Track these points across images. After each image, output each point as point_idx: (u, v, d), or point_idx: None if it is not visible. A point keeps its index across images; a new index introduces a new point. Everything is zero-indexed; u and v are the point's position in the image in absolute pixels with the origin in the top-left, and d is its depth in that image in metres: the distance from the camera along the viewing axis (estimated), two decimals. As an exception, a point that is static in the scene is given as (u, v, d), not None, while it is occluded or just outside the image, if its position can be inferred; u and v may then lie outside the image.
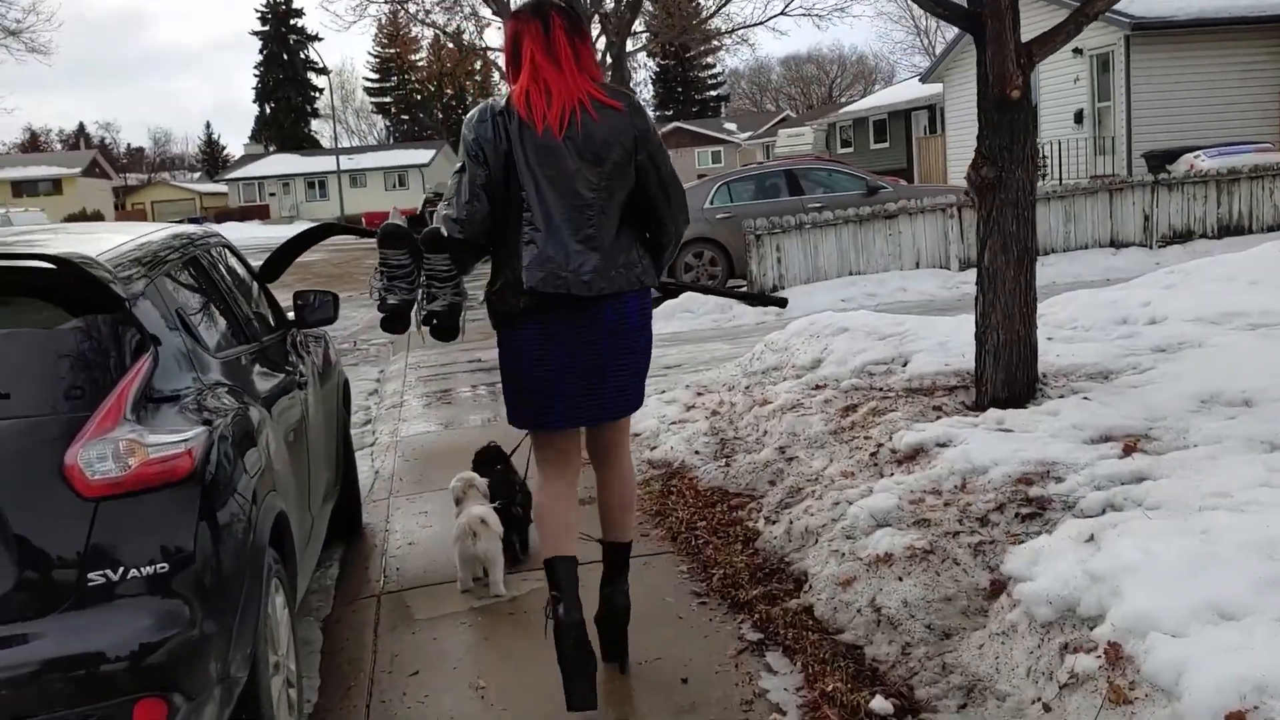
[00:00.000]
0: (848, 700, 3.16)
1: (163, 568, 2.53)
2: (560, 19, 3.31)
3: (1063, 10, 13.62)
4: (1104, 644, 2.77)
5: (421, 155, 66.79)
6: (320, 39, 78.10)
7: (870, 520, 4.09)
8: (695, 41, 36.47)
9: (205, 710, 2.54)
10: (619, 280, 3.29)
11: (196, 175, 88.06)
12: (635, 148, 3.30)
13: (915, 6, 7.56)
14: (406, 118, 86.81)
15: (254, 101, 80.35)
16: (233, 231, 52.74)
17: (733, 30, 30.60)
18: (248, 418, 3.19)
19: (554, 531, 3.43)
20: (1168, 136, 19.00)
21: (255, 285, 4.56)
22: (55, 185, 58.13)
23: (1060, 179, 19.80)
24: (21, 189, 57.66)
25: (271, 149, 74.84)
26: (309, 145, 76.28)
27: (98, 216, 52.68)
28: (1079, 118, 21.26)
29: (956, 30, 25.40)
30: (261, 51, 78.32)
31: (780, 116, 65.32)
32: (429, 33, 39.55)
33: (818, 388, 6.16)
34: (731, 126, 66.88)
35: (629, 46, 25.71)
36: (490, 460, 5.02)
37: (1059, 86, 21.57)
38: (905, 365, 6.15)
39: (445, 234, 3.33)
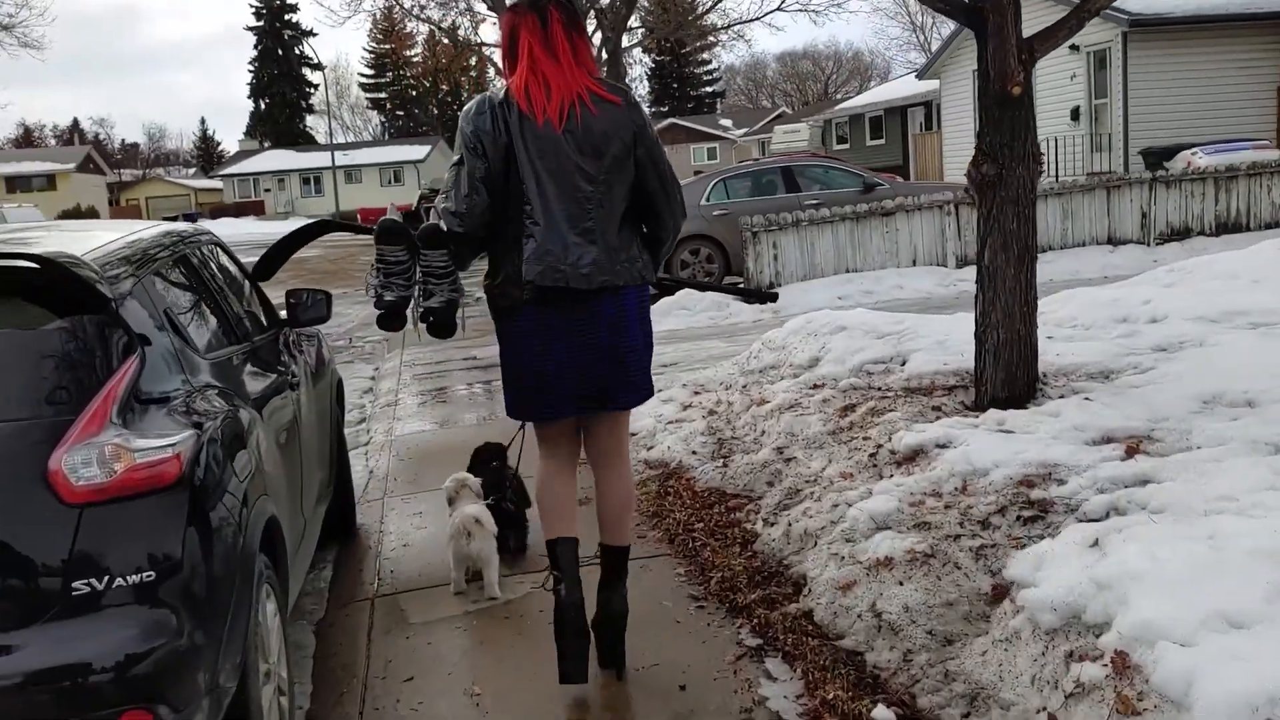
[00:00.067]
0: (849, 709, 3.11)
1: (149, 576, 2.47)
2: (558, 13, 3.31)
3: (1062, 6, 13.59)
4: (1111, 653, 2.71)
5: (417, 151, 66.65)
6: (315, 34, 78.26)
7: (870, 523, 4.04)
8: (691, 37, 36.39)
9: (193, 722, 2.49)
10: (619, 274, 3.30)
11: (191, 171, 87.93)
12: (634, 142, 3.31)
13: (911, 2, 7.50)
14: (402, 114, 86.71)
15: (249, 97, 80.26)
16: (228, 227, 52.76)
17: (729, 26, 30.50)
18: (238, 420, 3.13)
19: (554, 513, 3.50)
20: (1165, 133, 18.97)
21: (246, 284, 4.50)
22: (49, 181, 57.89)
23: (1056, 176, 19.74)
24: (15, 185, 57.45)
25: (266, 145, 74.67)
26: (304, 141, 76.14)
27: (92, 212, 52.48)
28: (1076, 114, 21.22)
29: (953, 26, 25.42)
30: (256, 47, 78.16)
31: (776, 113, 65.23)
32: (424, 28, 39.41)
33: (816, 387, 6.10)
34: (727, 123, 66.75)
35: (625, 42, 25.62)
36: (487, 458, 4.99)
37: (1056, 83, 21.51)
38: (904, 364, 6.10)
39: (445, 228, 3.32)
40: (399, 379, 10.21)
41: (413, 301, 3.40)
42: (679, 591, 4.20)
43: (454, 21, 30.21)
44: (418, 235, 3.38)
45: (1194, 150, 16.90)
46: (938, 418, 5.08)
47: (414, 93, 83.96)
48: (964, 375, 5.68)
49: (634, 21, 26.85)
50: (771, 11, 27.78)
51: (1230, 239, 13.02)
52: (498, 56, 3.79)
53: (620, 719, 3.34)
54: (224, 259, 4.36)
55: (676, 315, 12.36)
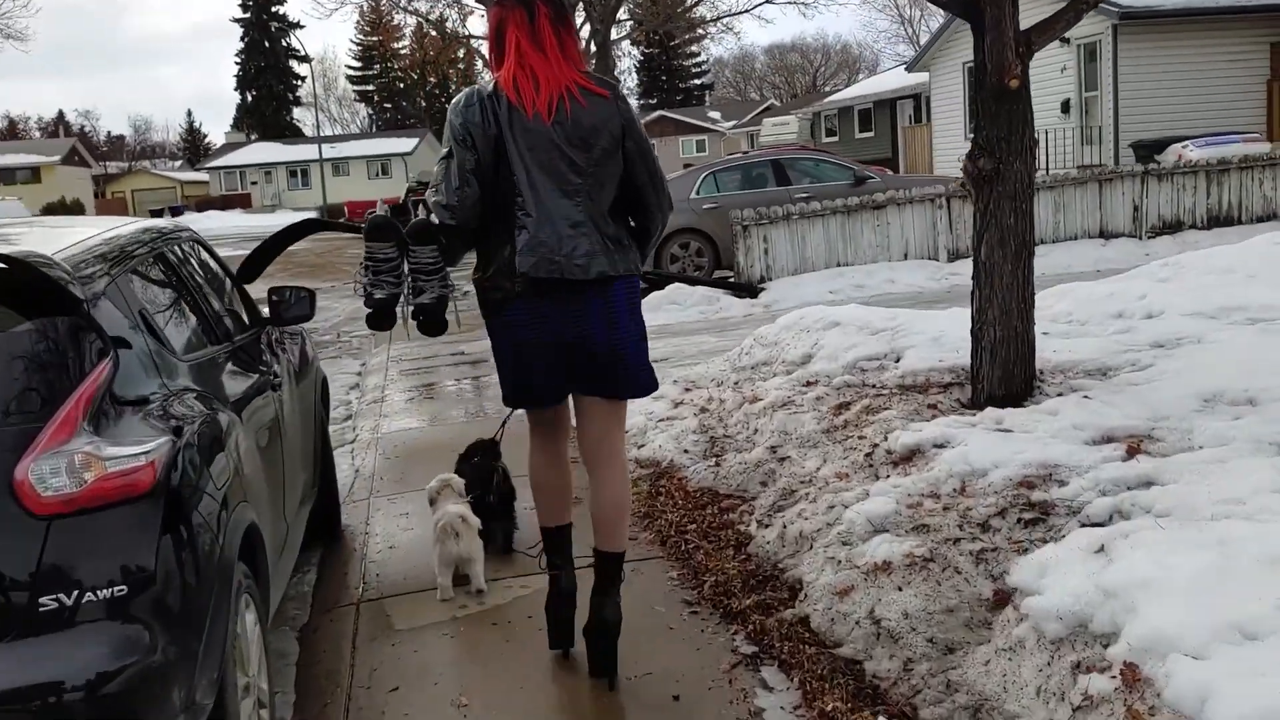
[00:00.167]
0: (848, 720, 3.02)
1: (121, 590, 2.37)
2: (545, 7, 3.31)
3: (1052, -2, 13.49)
4: (1120, 664, 2.63)
5: (404, 144, 66.28)
6: (302, 26, 77.41)
7: (867, 525, 3.95)
8: (680, 30, 36.24)
9: (168, 741, 2.38)
10: (615, 264, 3.29)
11: (178, 164, 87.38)
12: (623, 135, 3.31)
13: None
14: (389, 106, 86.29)
15: (235, 89, 79.72)
16: (214, 220, 52.47)
17: (718, 18, 30.41)
18: (216, 424, 3.02)
19: (547, 501, 3.64)
20: (1155, 126, 18.93)
21: (228, 282, 4.38)
22: (34, 174, 57.47)
23: (1047, 169, 19.70)
24: (-1, 177, 57.05)
25: (253, 137, 74.24)
26: (291, 133, 75.68)
27: (77, 205, 52.12)
28: (1066, 107, 21.16)
29: (942, 19, 25.35)
30: (243, 39, 77.62)
31: (765, 105, 65.13)
32: (411, 20, 39.17)
33: (809, 384, 6.02)
34: (716, 115, 66.64)
35: (614, 34, 25.46)
36: (471, 454, 4.93)
37: (1046, 76, 21.44)
38: (898, 361, 6.01)
39: (436, 221, 3.30)
40: (386, 374, 10.09)
41: (402, 299, 3.37)
42: (672, 596, 4.11)
43: (441, 14, 30.03)
44: (406, 231, 3.35)
45: (1185, 143, 16.86)
46: (934, 416, 5.00)
47: (401, 85, 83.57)
48: (959, 372, 5.60)
49: (623, 14, 26.70)
50: (761, 4, 27.67)
51: (1222, 232, 12.97)
52: (485, 49, 3.74)
53: (613, 731, 3.24)
54: (204, 256, 4.25)
55: (667, 310, 12.26)
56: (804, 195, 14.04)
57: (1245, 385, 4.72)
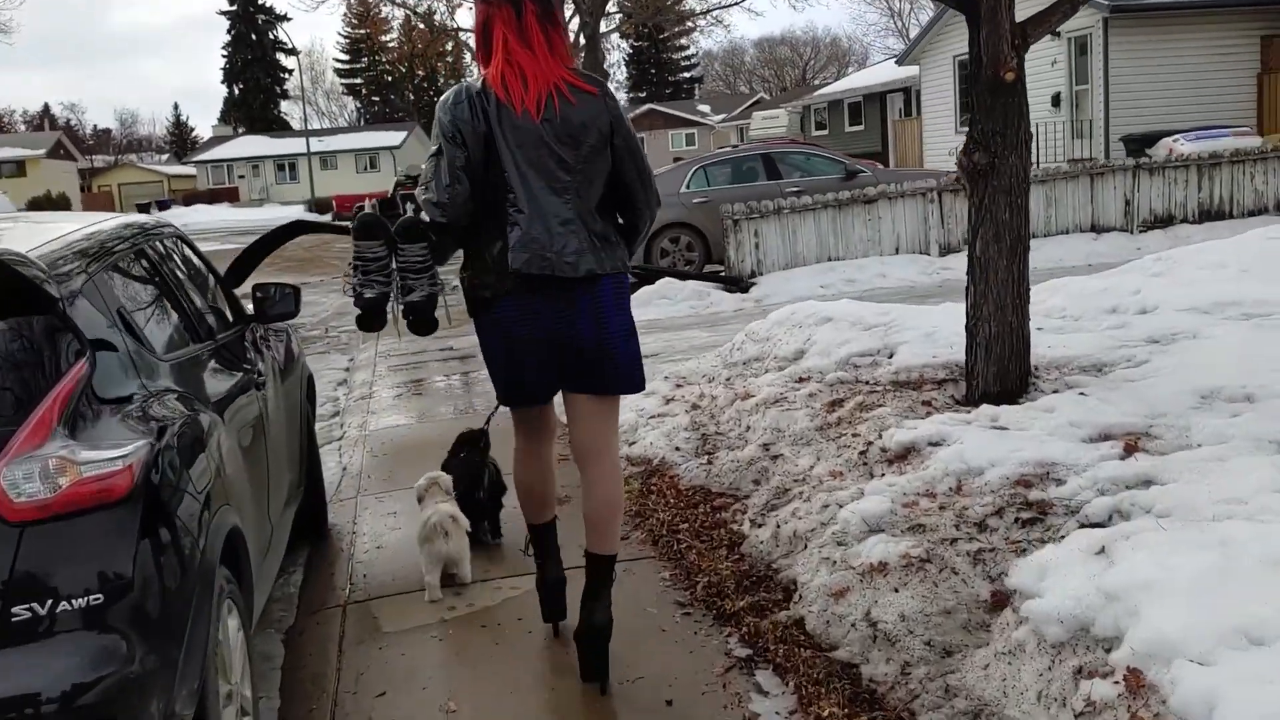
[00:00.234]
0: (845, 726, 2.96)
1: (97, 599, 2.29)
2: (533, 4, 3.28)
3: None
4: (1123, 670, 2.57)
5: (393, 137, 66.03)
6: (289, 19, 77.29)
7: (862, 525, 3.89)
8: (670, 22, 36.09)
9: (146, 755, 2.31)
10: (603, 262, 3.28)
11: (165, 157, 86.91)
12: (611, 132, 3.30)
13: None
14: (378, 99, 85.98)
15: (222, 83, 79.24)
16: (201, 214, 52.24)
17: (707, 11, 30.24)
18: (197, 425, 2.95)
19: (531, 499, 3.72)
20: (1146, 120, 18.89)
21: (211, 278, 4.30)
22: (19, 167, 57.01)
23: (1038, 163, 19.63)
24: (-16, 171, 56.60)
25: (241, 131, 73.85)
26: (279, 127, 75.32)
27: (63, 199, 51.77)
28: (1056, 101, 21.12)
29: (932, 12, 25.28)
30: (229, 31, 77.16)
31: (754, 99, 64.98)
32: (399, 13, 38.95)
33: (801, 380, 5.96)
34: (705, 108, 66.50)
35: (603, 27, 25.32)
36: (459, 448, 4.90)
37: (1036, 69, 21.35)
38: (891, 357, 5.96)
39: (427, 219, 3.29)
40: (374, 370, 10.01)
41: (392, 298, 3.34)
42: (664, 597, 4.04)
43: (429, 6, 29.81)
44: (395, 229, 3.33)
45: (1176, 137, 16.84)
46: (928, 413, 4.94)
47: (390, 78, 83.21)
48: (954, 368, 5.54)
49: (612, 6, 26.55)
50: (751, -4, 27.53)
51: (1213, 226, 12.95)
52: (474, 41, 3.68)
53: (605, 737, 3.18)
54: (186, 252, 4.16)
55: (657, 305, 12.20)
56: (795, 189, 13.97)
57: (1242, 382, 4.67)
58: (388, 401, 8.48)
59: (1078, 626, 2.82)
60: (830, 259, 13.28)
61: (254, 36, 76.62)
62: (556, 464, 3.85)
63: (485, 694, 3.44)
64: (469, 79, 3.39)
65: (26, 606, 2.24)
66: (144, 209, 49.99)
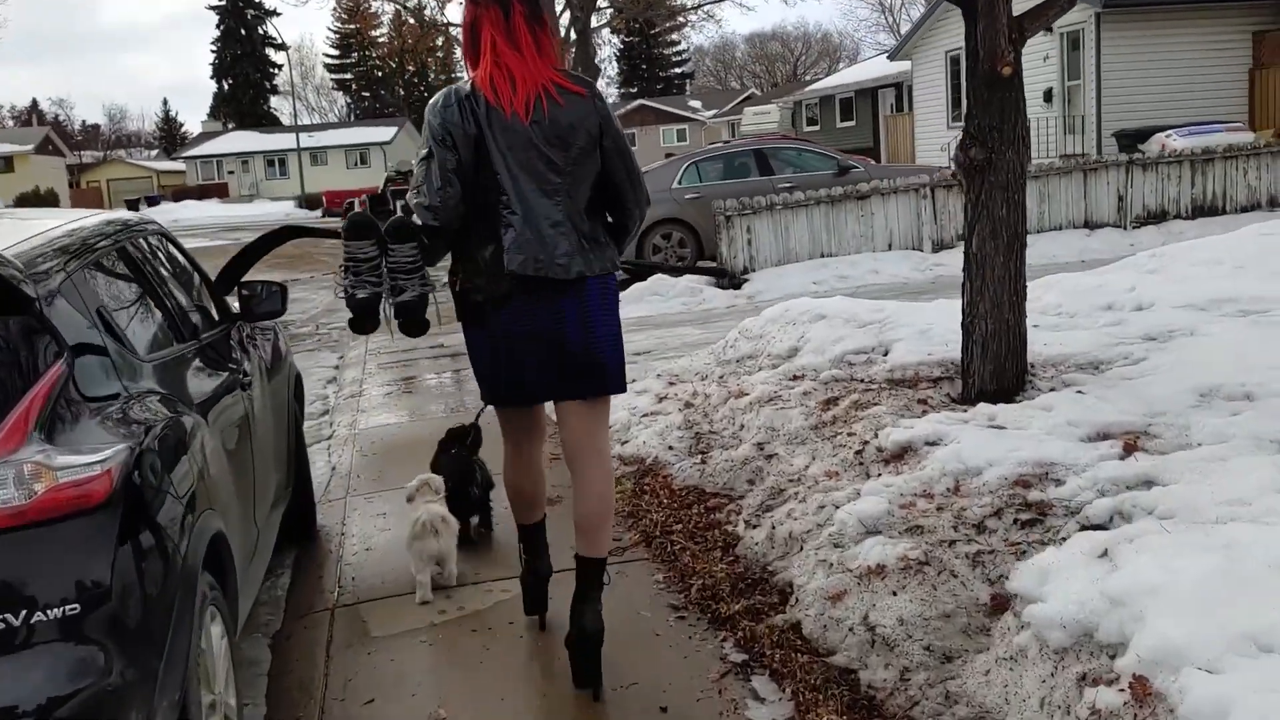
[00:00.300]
0: (843, 734, 2.90)
1: (74, 609, 2.22)
2: (520, 6, 3.28)
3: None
4: (1129, 677, 2.51)
5: (383, 133, 65.81)
6: (279, 14, 76.69)
7: (859, 527, 3.83)
8: (661, 17, 36.01)
9: (125, 769, 2.24)
10: (591, 263, 3.28)
11: (154, 153, 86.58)
12: (600, 133, 3.30)
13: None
14: (368, 95, 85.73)
15: (212, 78, 78.67)
16: (191, 210, 52.03)
17: (699, 6, 30.16)
18: (179, 427, 2.87)
19: (521, 506, 3.71)
20: (1138, 115, 18.87)
21: (196, 277, 4.22)
22: (6, 163, 56.59)
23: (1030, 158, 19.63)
24: (-29, 167, 56.23)
25: (230, 126, 73.51)
26: (268, 122, 75.01)
27: (51, 195, 51.44)
28: (1048, 96, 21.09)
29: (924, 8, 25.21)
30: (219, 26, 76.69)
31: (745, 94, 64.87)
32: (389, 8, 38.81)
33: (795, 378, 5.90)
34: (696, 104, 66.33)
35: (594, 22, 25.22)
36: (449, 444, 4.86)
37: (1028, 65, 21.14)
38: (886, 355, 5.90)
39: (420, 222, 3.27)
40: (364, 368, 9.93)
41: (383, 300, 3.34)
42: (658, 600, 3.97)
43: (420, 1, 29.68)
44: (385, 229, 3.31)
45: (1169, 132, 16.81)
46: (924, 412, 4.89)
47: (380, 73, 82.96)
48: (949, 366, 5.49)
49: (603, 2, 26.45)
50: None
51: (1206, 222, 12.93)
52: (462, 41, 3.66)
53: (598, 745, 3.11)
54: (171, 250, 4.08)
55: (649, 301, 12.13)
56: (787, 185, 13.92)
57: (1241, 380, 4.62)
58: (378, 399, 8.41)
59: (1081, 632, 2.76)
60: (823, 255, 13.23)
61: (243, 31, 76.21)
62: (547, 464, 3.81)
63: (476, 701, 3.37)
64: (459, 82, 3.36)
65: (0, 617, 2.16)
66: (133, 205, 49.74)
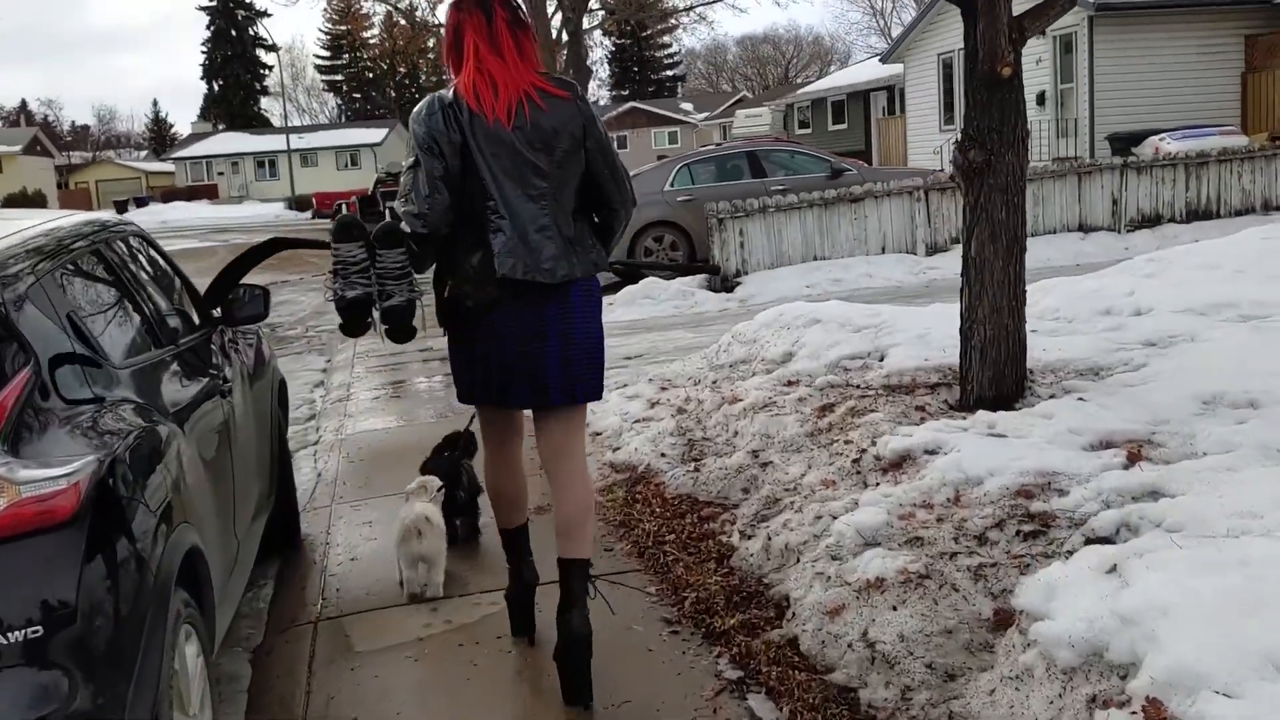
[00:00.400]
0: (844, 756, 2.79)
1: (36, 632, 2.10)
2: (503, 11, 3.28)
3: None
4: (1141, 699, 2.41)
5: (374, 134, 65.59)
6: (269, 15, 76.45)
7: (857, 538, 3.73)
8: (652, 19, 35.91)
9: (91, 800, 2.12)
10: (575, 267, 3.28)
11: (143, 154, 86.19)
12: (584, 135, 3.30)
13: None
14: (359, 96, 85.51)
15: (202, 79, 78.39)
16: (181, 211, 51.75)
17: (690, 7, 30.03)
18: (154, 437, 2.75)
19: (505, 508, 3.67)
20: (1131, 119, 18.82)
21: (176, 280, 4.10)
22: (-5, 164, 56.35)
23: (1024, 161, 19.56)
24: (-41, 167, 55.81)
25: (220, 127, 73.25)
26: (259, 123, 74.74)
27: (39, 196, 51.15)
28: (1041, 99, 21.03)
29: (915, 11, 25.14)
30: (209, 27, 76.41)
31: (737, 97, 64.81)
32: (380, 9, 38.64)
33: (790, 384, 5.80)
34: (688, 107, 66.25)
35: (585, 24, 25.09)
36: (443, 447, 4.84)
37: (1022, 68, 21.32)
38: (882, 360, 5.82)
39: (408, 230, 3.29)
40: (352, 371, 9.80)
41: (374, 305, 3.34)
42: (650, 614, 3.86)
43: (411, 2, 29.51)
44: (373, 235, 3.32)
45: (1162, 136, 16.75)
46: (922, 419, 4.80)
47: (371, 75, 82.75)
48: (946, 372, 5.40)
49: (594, 3, 26.32)
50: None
51: (1201, 226, 12.86)
52: (444, 47, 3.63)
53: (589, 766, 3.00)
54: (150, 253, 3.97)
55: (640, 304, 12.02)
56: (780, 188, 13.82)
57: (1245, 387, 4.54)
58: (366, 404, 8.28)
59: (1090, 651, 2.67)
60: (816, 258, 13.12)
61: (234, 32, 75.94)
62: (533, 472, 3.74)
63: (463, 719, 3.25)
64: (442, 90, 3.35)
65: (-42, 641, 2.05)
66: (121, 206, 49.51)
